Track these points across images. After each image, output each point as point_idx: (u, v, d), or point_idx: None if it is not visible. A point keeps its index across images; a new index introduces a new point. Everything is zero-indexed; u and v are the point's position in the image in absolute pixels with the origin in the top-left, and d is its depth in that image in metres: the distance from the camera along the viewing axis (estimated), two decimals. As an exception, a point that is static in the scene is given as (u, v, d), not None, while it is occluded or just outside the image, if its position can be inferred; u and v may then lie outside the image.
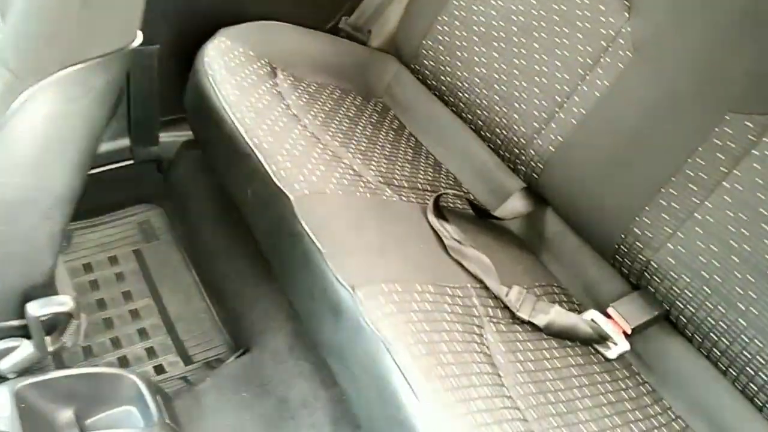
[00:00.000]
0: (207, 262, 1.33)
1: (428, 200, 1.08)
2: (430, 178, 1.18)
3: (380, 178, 1.08)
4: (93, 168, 1.36)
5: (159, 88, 1.30)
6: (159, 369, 1.21)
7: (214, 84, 1.11)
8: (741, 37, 0.99)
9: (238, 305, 1.25)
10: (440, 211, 1.04)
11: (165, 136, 1.39)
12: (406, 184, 1.11)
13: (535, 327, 0.93)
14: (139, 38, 0.72)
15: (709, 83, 1.00)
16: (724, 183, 0.94)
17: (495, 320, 0.90)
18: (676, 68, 1.04)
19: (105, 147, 1.33)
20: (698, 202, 0.96)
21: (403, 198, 1.05)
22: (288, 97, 1.17)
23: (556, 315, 0.93)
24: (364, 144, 1.16)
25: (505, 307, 0.93)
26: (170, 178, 1.42)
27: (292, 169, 0.96)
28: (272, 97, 1.12)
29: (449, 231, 0.99)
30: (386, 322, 0.81)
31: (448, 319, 0.84)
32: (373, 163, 1.11)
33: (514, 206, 1.15)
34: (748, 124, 0.94)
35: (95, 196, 1.37)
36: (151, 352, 1.23)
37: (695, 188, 0.96)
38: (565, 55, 1.15)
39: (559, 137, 1.12)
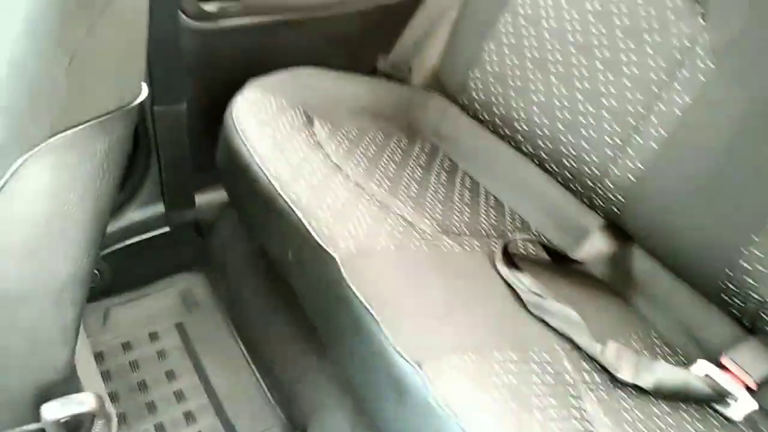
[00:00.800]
0: (253, 330, 1.21)
1: (495, 247, 0.94)
2: (493, 221, 1.05)
3: (437, 227, 0.95)
4: (127, 239, 1.29)
5: (191, 147, 1.21)
6: (209, 457, 1.09)
7: (244, 139, 1.01)
8: None
9: (290, 378, 1.13)
10: (511, 260, 0.90)
11: (202, 198, 1.29)
12: (467, 231, 0.98)
13: (640, 390, 0.78)
14: (144, 92, 0.62)
15: None
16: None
17: (593, 387, 0.76)
18: (765, 73, 0.90)
19: (138, 215, 1.25)
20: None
21: (466, 247, 0.92)
22: (327, 146, 1.06)
23: (664, 373, 0.78)
24: (414, 189, 1.03)
25: (603, 369, 0.78)
26: (210, 242, 1.33)
27: (336, 224, 0.84)
28: (309, 147, 1.01)
29: (525, 282, 0.85)
30: (461, 401, 0.67)
31: (537, 392, 0.70)
32: (427, 209, 0.99)
33: (594, 246, 1.00)
34: None
35: (131, 269, 1.29)
36: (199, 438, 1.11)
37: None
38: (634, 72, 1.01)
39: (639, 164, 0.98)
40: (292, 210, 0.87)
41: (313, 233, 0.83)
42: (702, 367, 0.83)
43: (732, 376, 0.82)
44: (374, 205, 0.92)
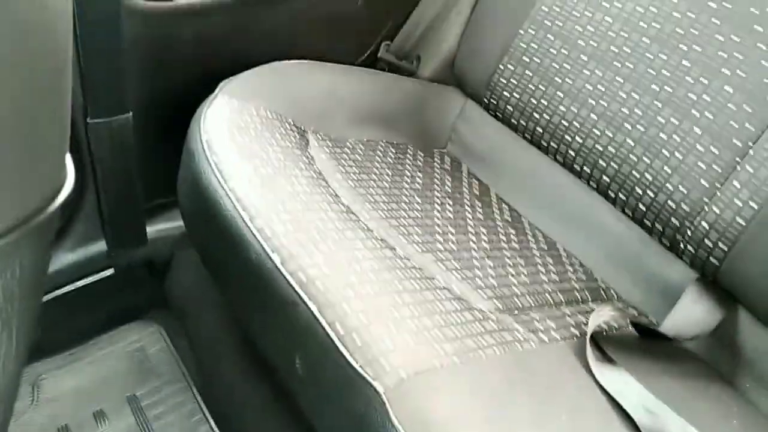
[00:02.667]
0: (228, 406, 0.94)
1: (573, 327, 0.69)
2: (555, 277, 0.79)
3: (497, 303, 0.69)
4: (60, 286, 1.00)
5: (140, 170, 0.91)
6: None
7: (215, 166, 0.72)
8: None
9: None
10: (604, 352, 0.65)
11: (154, 231, 1.00)
12: (532, 302, 0.72)
13: None
14: (70, 184, 0.34)
15: None
16: None
17: None
18: None
19: (73, 256, 0.95)
20: None
21: (542, 335, 0.66)
22: (332, 177, 0.78)
23: None
24: (452, 240, 0.77)
25: None
26: (167, 284, 1.04)
27: (374, 324, 0.57)
28: (310, 181, 0.73)
29: (634, 393, 0.60)
30: None
31: None
32: (477, 273, 0.72)
33: (690, 313, 0.76)
34: None
35: (66, 323, 1.00)
36: None
37: None
38: (740, 76, 0.76)
39: (750, 202, 0.74)
40: (300, 298, 0.59)
41: (338, 342, 0.55)
42: None
43: None
44: (413, 279, 0.65)
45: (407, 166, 0.90)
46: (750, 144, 0.75)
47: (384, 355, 0.54)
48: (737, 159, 0.76)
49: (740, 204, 0.74)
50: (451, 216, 0.82)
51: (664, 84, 0.81)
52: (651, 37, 0.84)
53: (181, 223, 0.99)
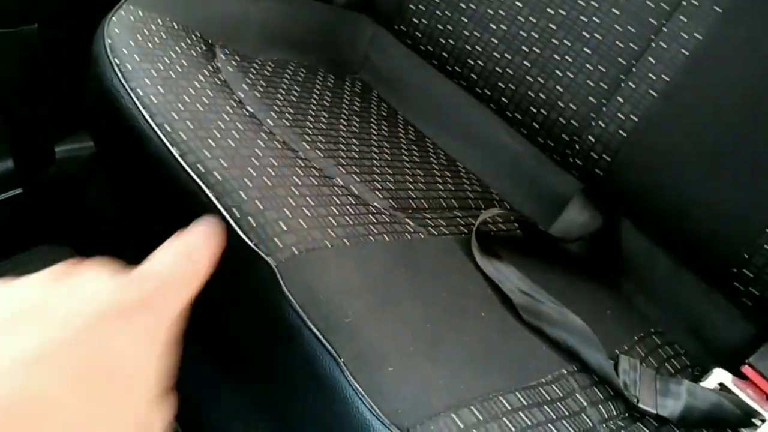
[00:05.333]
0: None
1: (463, 227, 0.74)
2: (451, 187, 0.83)
3: (392, 202, 0.72)
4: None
5: (47, 85, 0.91)
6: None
7: (116, 67, 0.72)
8: None
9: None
10: (488, 245, 0.70)
11: (63, 151, 0.99)
12: (426, 204, 0.76)
13: (662, 420, 0.61)
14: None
15: None
16: None
17: (612, 425, 0.58)
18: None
19: (-22, 174, 0.94)
20: None
21: (431, 229, 0.70)
22: (237, 88, 0.79)
23: (690, 396, 0.61)
24: (355, 149, 0.80)
25: (618, 395, 0.60)
26: (76, 206, 1.03)
27: (268, 211, 0.59)
28: (215, 90, 0.75)
29: (512, 279, 0.65)
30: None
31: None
32: (376, 178, 0.76)
33: (574, 219, 0.82)
34: None
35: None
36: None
37: None
38: (625, -2, 0.81)
39: (631, 116, 0.79)
40: (202, 189, 0.61)
41: (234, 224, 0.58)
42: (716, 377, 0.68)
43: (754, 389, 0.67)
44: (312, 176, 0.68)
45: (317, 85, 0.92)
46: (633, 62, 0.81)
47: (277, 235, 0.57)
48: (621, 76, 0.81)
49: (623, 117, 0.80)
50: (357, 130, 0.85)
51: (559, 7, 0.86)
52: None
53: (90, 143, 0.99)
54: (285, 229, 0.58)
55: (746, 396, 0.66)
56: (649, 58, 0.79)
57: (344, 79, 0.99)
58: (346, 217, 0.64)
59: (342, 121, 0.86)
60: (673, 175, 0.76)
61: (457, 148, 0.94)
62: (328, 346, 0.50)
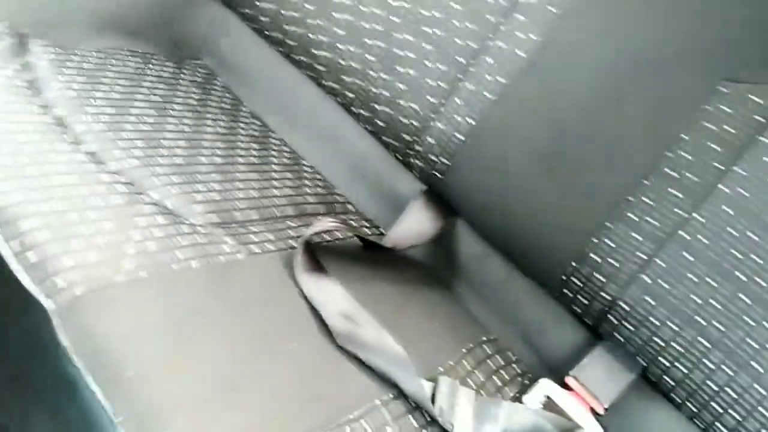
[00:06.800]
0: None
1: (294, 239, 0.71)
2: (290, 191, 0.80)
3: (214, 216, 0.68)
4: None
5: None
6: None
7: None
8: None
9: None
10: (316, 262, 0.67)
11: None
12: (255, 216, 0.72)
13: (479, 442, 0.61)
14: None
15: (691, 37, 0.68)
16: (720, 186, 0.65)
17: (426, 457, 0.57)
18: (639, 14, 0.72)
19: None
20: (684, 214, 0.66)
21: (254, 247, 0.67)
22: (48, 88, 0.72)
23: (508, 419, 0.61)
24: (181, 151, 0.75)
25: (434, 422, 0.60)
26: None
27: (54, 243, 0.54)
28: (14, 88, 0.68)
29: (337, 300, 0.63)
30: None
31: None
32: (200, 185, 0.71)
33: (413, 224, 0.80)
34: (753, 98, 0.64)
35: None
36: None
37: (679, 195, 0.66)
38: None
39: (468, 118, 0.78)
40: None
41: (12, 260, 0.52)
42: (542, 388, 0.69)
43: (577, 397, 0.69)
44: (116, 194, 0.63)
45: (148, 77, 0.86)
46: (471, 61, 0.78)
47: (59, 273, 0.52)
48: (459, 76, 0.79)
49: (460, 120, 0.78)
50: (188, 130, 0.80)
51: (403, 1, 0.83)
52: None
53: None
54: (71, 264, 0.53)
55: (570, 408, 0.67)
56: (487, 59, 0.78)
57: (183, 67, 0.93)
58: (150, 243, 0.59)
59: (171, 119, 0.80)
60: (504, 180, 0.75)
61: (304, 145, 0.90)
62: (106, 405, 0.46)
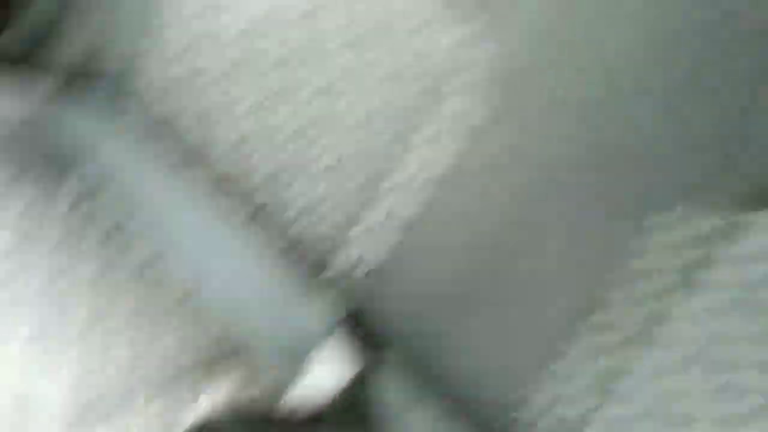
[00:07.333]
0: None
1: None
2: (171, 343, 0.67)
3: (78, 403, 0.56)
4: None
5: None
6: None
7: None
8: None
9: None
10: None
11: None
12: (119, 401, 0.60)
13: None
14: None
15: (614, 162, 0.58)
16: (656, 330, 0.55)
17: None
18: (560, 124, 0.62)
19: None
20: (618, 366, 0.56)
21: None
22: None
23: None
24: (48, 315, 0.63)
25: None
26: None
27: None
28: None
29: None
30: None
31: None
32: (70, 354, 0.60)
33: (324, 370, 0.69)
34: (685, 230, 0.55)
35: None
36: None
37: (613, 341, 0.57)
38: (385, 89, 0.69)
39: (389, 235, 0.68)
40: None
41: None
42: None
43: None
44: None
45: (18, 202, 0.74)
46: (387, 173, 0.69)
47: None
48: (376, 189, 0.69)
49: (378, 238, 0.68)
50: (57, 273, 0.68)
51: (314, 93, 0.72)
52: (299, 33, 0.73)
53: None
54: None
55: None
56: (404, 170, 0.68)
57: (61, 187, 0.80)
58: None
59: (44, 258, 0.68)
60: (429, 316, 0.65)
61: (192, 269, 0.77)
62: None
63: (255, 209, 0.74)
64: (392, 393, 0.70)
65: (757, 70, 0.51)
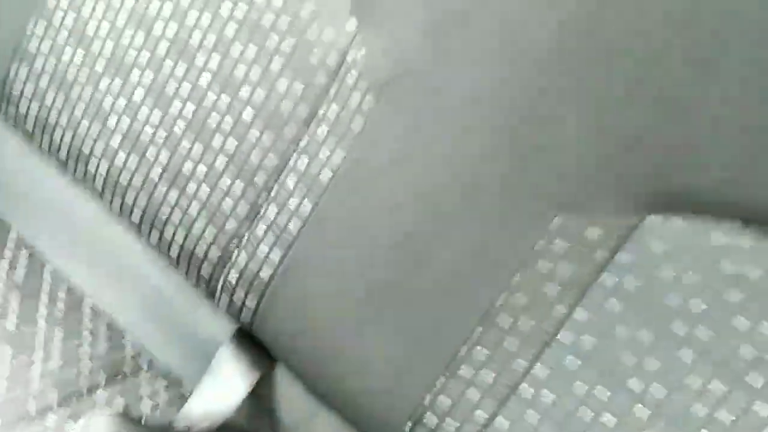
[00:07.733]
0: None
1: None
2: (56, 363, 0.64)
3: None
4: None
5: None
6: None
7: None
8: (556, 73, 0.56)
9: None
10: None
11: None
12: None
13: None
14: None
15: (518, 165, 0.57)
16: (561, 333, 0.54)
17: None
18: (462, 121, 0.60)
19: None
20: (523, 367, 0.55)
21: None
22: None
23: None
24: None
25: None
26: None
27: None
28: None
29: None
30: None
31: None
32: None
33: (222, 380, 0.66)
34: (591, 233, 0.54)
35: None
36: None
37: (515, 344, 0.56)
38: (259, 96, 0.65)
39: (276, 249, 0.64)
40: None
41: None
42: None
43: None
44: None
45: None
46: (272, 183, 0.65)
47: None
48: (261, 200, 0.65)
49: (266, 251, 0.65)
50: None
51: (186, 101, 0.68)
52: (169, 40, 0.69)
53: None
54: None
55: None
56: (290, 176, 0.64)
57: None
58: None
59: None
60: (323, 324, 0.63)
61: (87, 280, 0.74)
62: None
63: (141, 217, 0.70)
64: (289, 406, 0.67)
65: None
